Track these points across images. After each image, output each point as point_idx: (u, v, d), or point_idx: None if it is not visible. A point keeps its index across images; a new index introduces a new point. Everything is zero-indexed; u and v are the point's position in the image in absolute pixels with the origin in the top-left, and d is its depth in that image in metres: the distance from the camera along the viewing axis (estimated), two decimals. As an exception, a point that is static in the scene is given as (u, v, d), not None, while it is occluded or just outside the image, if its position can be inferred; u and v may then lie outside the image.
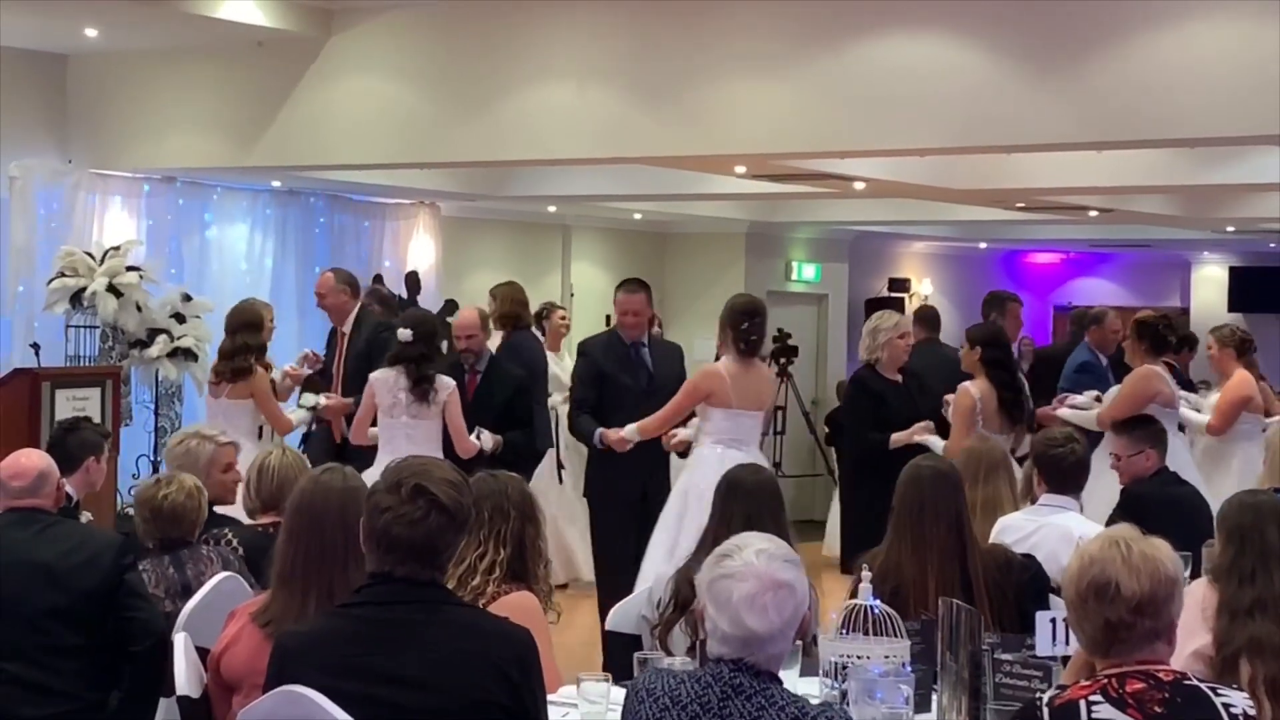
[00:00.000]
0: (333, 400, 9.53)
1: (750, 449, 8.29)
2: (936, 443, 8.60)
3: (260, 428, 9.50)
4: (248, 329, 9.22)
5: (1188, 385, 11.23)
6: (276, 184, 13.09)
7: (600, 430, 8.68)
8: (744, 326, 8.36)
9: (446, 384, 8.74)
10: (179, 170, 12.07)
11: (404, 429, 8.63)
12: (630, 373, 8.96)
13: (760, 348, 8.44)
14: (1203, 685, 3.53)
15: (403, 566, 3.72)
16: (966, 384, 8.96)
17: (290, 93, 10.90)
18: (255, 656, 4.12)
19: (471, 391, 9.16)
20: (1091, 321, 11.18)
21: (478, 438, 8.79)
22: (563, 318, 12.68)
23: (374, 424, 8.81)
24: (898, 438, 8.76)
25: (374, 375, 8.78)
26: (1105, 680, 3.48)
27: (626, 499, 8.76)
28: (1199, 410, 9.71)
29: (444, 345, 9.46)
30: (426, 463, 3.84)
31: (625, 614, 5.52)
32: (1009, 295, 11.56)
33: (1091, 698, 3.45)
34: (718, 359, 8.59)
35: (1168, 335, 9.47)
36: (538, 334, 11.61)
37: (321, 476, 4.47)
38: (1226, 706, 3.47)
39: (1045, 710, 3.45)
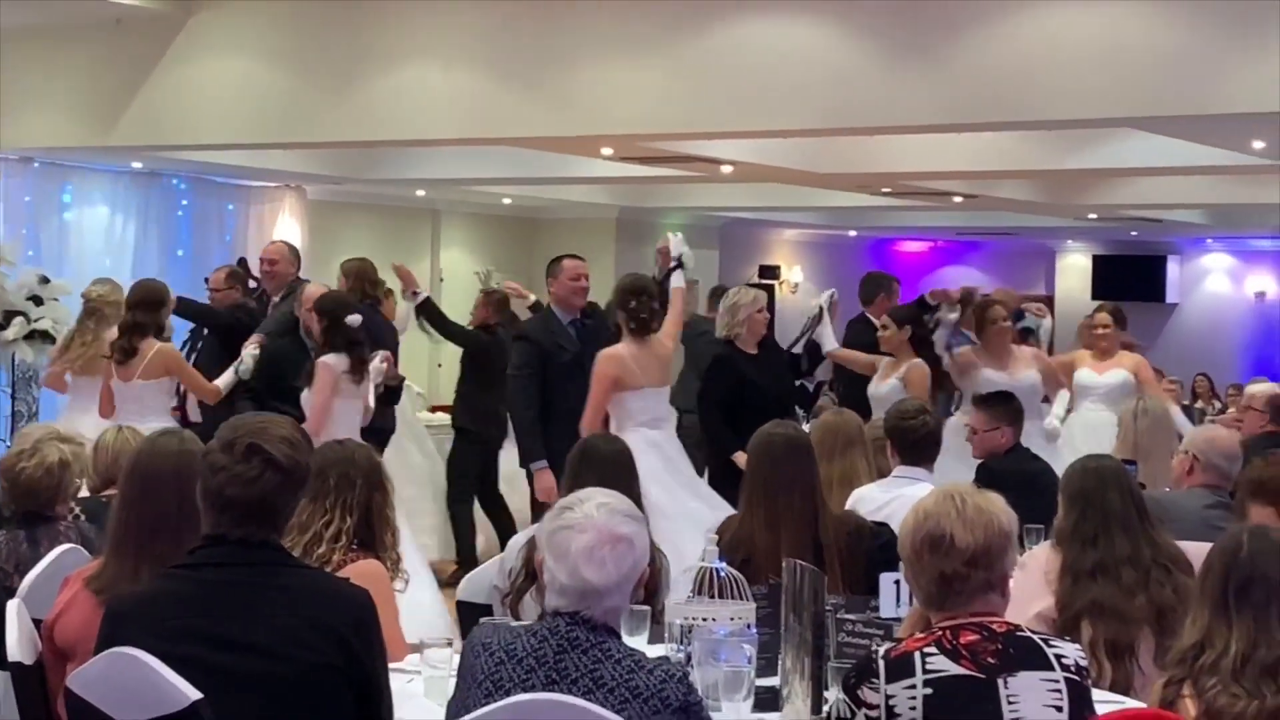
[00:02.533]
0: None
1: (668, 426, 8.32)
2: None
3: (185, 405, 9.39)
4: (142, 307, 9.02)
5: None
6: (137, 165, 12.91)
7: (539, 470, 8.61)
8: (631, 305, 8.39)
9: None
10: (36, 150, 11.89)
11: (342, 410, 8.52)
12: (573, 352, 8.87)
13: (651, 325, 8.42)
14: (1035, 636, 3.57)
15: (238, 528, 3.66)
16: (920, 361, 9.19)
17: (150, 71, 10.75)
18: (88, 624, 4.03)
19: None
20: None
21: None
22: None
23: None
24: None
25: (329, 360, 8.56)
26: (940, 632, 3.52)
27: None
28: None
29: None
30: (264, 421, 3.78)
31: (477, 584, 5.50)
32: (891, 276, 11.59)
33: (926, 649, 3.48)
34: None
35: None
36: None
37: (158, 440, 4.40)
38: (1059, 657, 3.52)
39: (881, 662, 3.48)
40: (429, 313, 10.73)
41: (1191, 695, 3.56)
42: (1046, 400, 9.99)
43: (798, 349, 9.83)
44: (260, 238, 14.20)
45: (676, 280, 8.71)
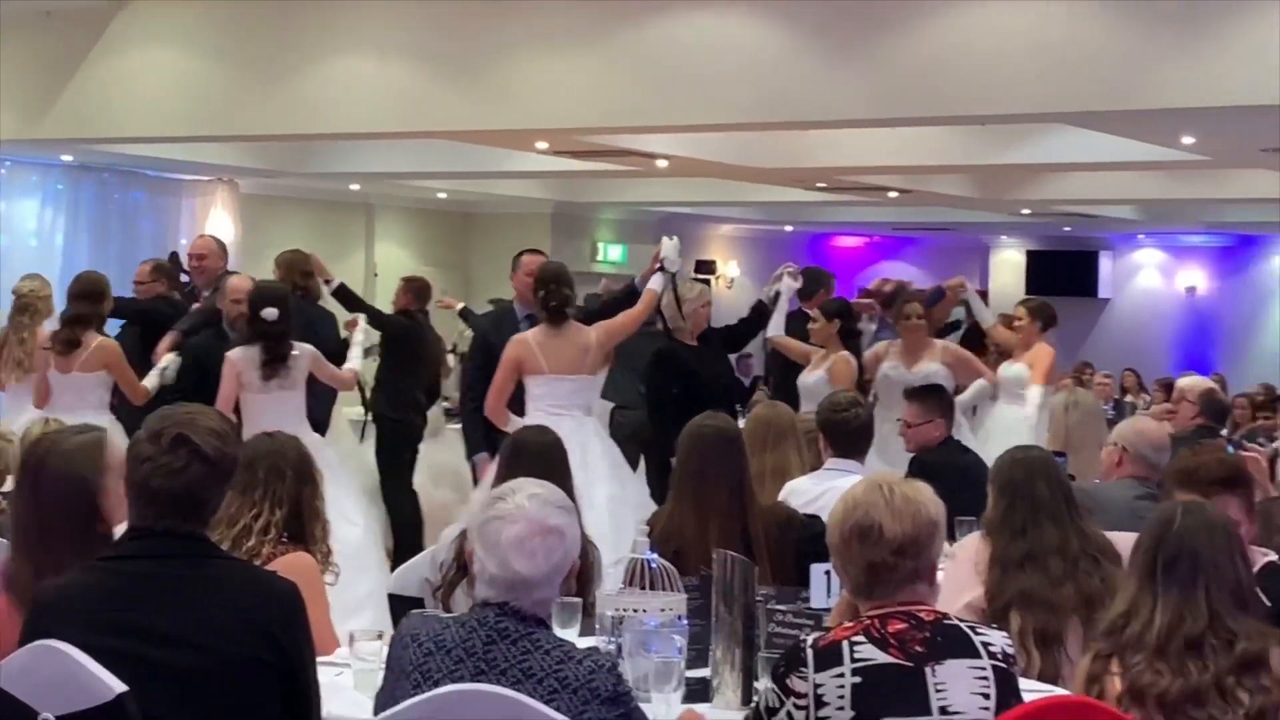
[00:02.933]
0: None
1: (576, 414, 8.26)
2: None
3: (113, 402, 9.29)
4: (84, 299, 8.93)
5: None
6: (68, 158, 12.81)
7: (481, 460, 8.62)
8: (543, 293, 8.34)
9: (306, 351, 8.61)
10: (-35, 143, 11.76)
11: (268, 404, 8.45)
12: None
13: (562, 313, 8.38)
14: (963, 624, 3.59)
15: (164, 519, 3.63)
16: (846, 354, 9.27)
17: (80, 64, 10.67)
18: (3, 625, 4.01)
19: None
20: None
21: None
22: None
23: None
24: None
25: (231, 354, 8.49)
26: (868, 621, 3.53)
27: None
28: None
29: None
30: (192, 412, 3.75)
31: (409, 577, 5.48)
32: (829, 273, 11.57)
33: (854, 638, 3.49)
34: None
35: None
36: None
37: (55, 434, 4.36)
38: (986, 645, 3.53)
39: (809, 652, 3.48)
40: (344, 298, 10.58)
41: (1117, 672, 3.57)
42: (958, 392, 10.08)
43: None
44: (192, 232, 14.10)
45: (654, 282, 8.65)
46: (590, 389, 8.57)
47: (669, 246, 8.71)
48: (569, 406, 8.26)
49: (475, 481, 8.84)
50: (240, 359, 8.37)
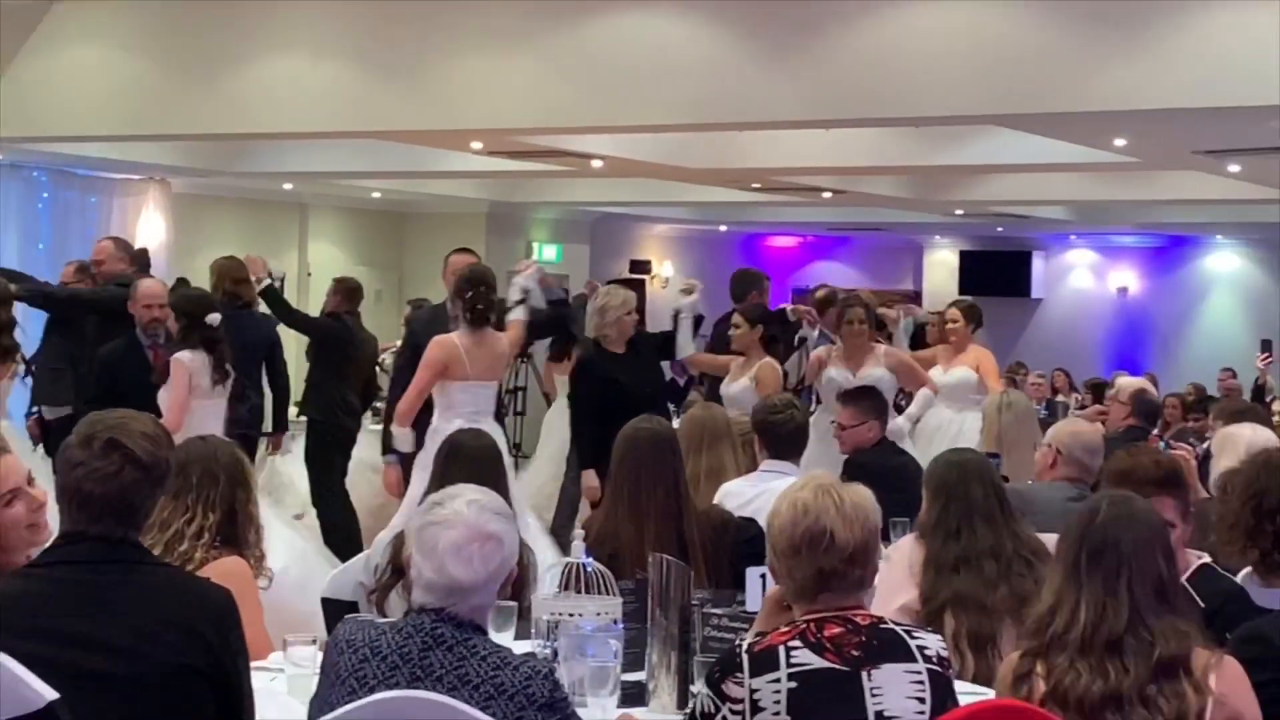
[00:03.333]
0: None
1: (487, 421, 8.20)
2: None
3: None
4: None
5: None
6: (-3, 157, 12.69)
7: (390, 465, 8.62)
8: (469, 295, 8.27)
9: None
10: (-109, 141, 11.63)
11: (212, 409, 8.39)
12: None
13: (488, 317, 8.34)
14: (898, 628, 3.60)
15: (96, 524, 3.59)
16: (771, 360, 9.24)
17: (11, 61, 10.57)
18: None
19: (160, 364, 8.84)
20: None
21: None
22: None
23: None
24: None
25: (182, 357, 8.41)
26: (804, 625, 3.53)
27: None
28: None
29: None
30: (124, 416, 3.72)
31: (343, 580, 5.46)
32: (762, 274, 11.51)
33: (790, 643, 3.49)
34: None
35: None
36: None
37: None
38: (921, 649, 3.55)
39: (745, 656, 3.48)
40: (271, 300, 10.48)
41: (1041, 674, 3.56)
42: (904, 392, 10.10)
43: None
44: (124, 231, 13.96)
45: (516, 313, 8.61)
46: (495, 394, 8.57)
47: (528, 275, 8.71)
48: (484, 413, 8.24)
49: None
50: (191, 362, 8.31)
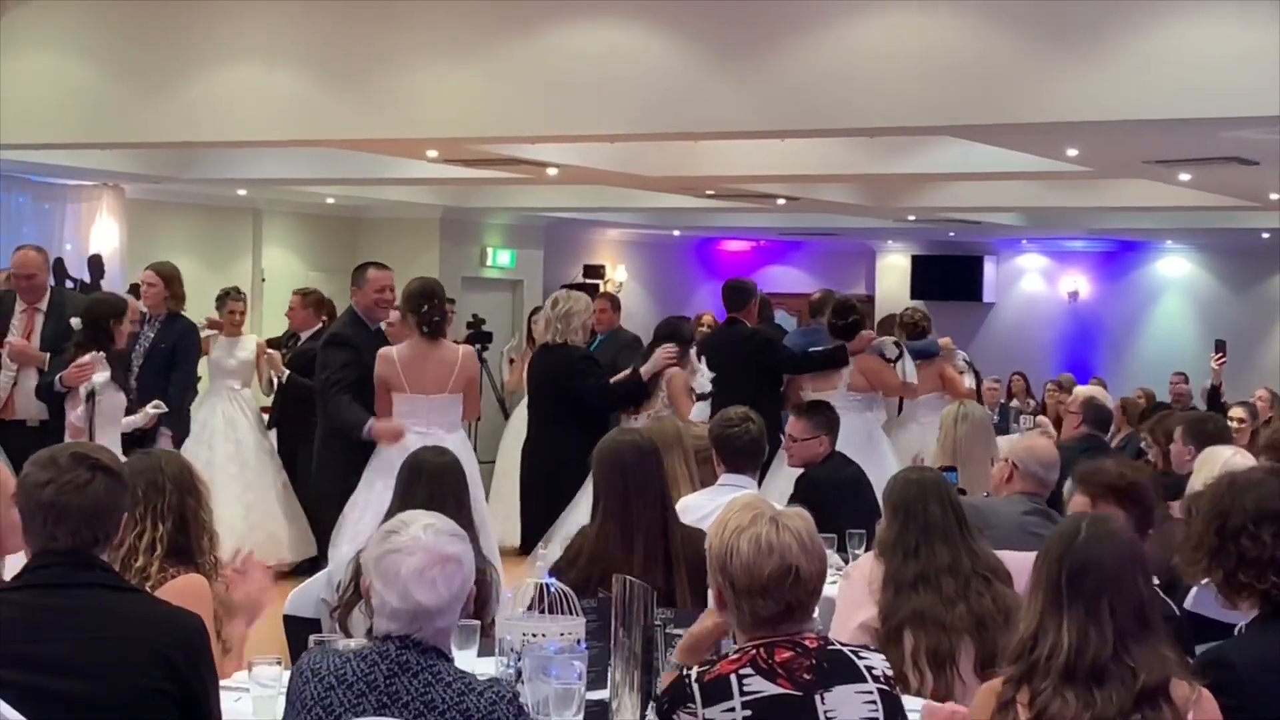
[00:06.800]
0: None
1: (439, 433, 8.16)
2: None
3: None
4: None
5: None
6: (-52, 163, 12.58)
7: (372, 421, 8.40)
8: (424, 309, 8.30)
9: None
10: None
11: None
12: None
13: (442, 329, 8.37)
14: (846, 649, 3.62)
15: (72, 536, 3.63)
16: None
17: (-38, 69, 10.49)
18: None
19: (29, 335, 9.09)
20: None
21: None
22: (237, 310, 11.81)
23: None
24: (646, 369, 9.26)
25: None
26: (754, 651, 3.53)
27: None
28: None
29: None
30: (73, 442, 3.79)
31: (305, 598, 5.46)
32: (749, 282, 11.31)
33: (742, 671, 3.49)
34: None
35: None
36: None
37: None
38: (869, 669, 3.58)
39: (695, 687, 3.47)
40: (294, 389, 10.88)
41: (1024, 701, 3.53)
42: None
43: None
44: (78, 237, 13.95)
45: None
46: (454, 406, 8.49)
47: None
48: (437, 424, 8.24)
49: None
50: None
